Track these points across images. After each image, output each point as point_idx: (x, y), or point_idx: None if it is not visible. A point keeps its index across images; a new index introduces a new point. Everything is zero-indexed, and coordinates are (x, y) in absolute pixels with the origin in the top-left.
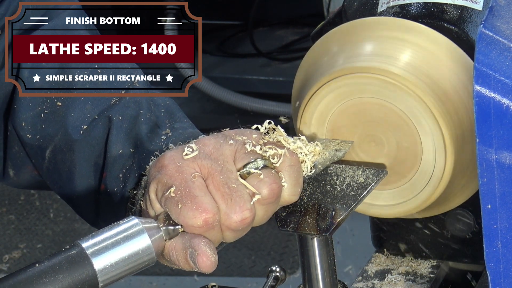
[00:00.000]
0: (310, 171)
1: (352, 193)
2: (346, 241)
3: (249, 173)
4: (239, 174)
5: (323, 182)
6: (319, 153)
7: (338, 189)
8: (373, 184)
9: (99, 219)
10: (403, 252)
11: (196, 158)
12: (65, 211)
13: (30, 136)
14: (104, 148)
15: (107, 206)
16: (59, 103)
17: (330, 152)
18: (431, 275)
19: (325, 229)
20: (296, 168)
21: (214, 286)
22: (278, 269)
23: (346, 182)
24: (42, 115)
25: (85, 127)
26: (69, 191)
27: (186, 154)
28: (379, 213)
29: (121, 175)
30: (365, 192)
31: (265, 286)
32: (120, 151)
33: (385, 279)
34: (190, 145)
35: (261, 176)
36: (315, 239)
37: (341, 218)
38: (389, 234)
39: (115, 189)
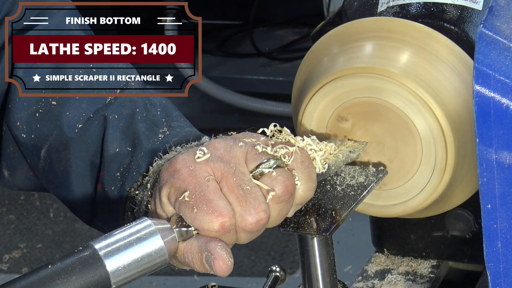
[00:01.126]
0: (323, 168)
1: (352, 193)
2: (346, 241)
3: (261, 174)
4: (252, 176)
5: (323, 182)
6: (331, 154)
7: (338, 189)
8: (373, 184)
9: (96, 218)
10: (403, 252)
11: (208, 161)
12: (65, 211)
13: (25, 136)
14: (101, 147)
15: (104, 205)
16: (54, 102)
17: (344, 153)
18: (431, 275)
19: (325, 229)
20: (307, 163)
21: (214, 286)
22: (278, 269)
23: (346, 182)
24: (37, 115)
25: (80, 125)
26: (65, 191)
27: (198, 157)
28: (379, 213)
29: (118, 174)
30: (365, 192)
31: (265, 286)
32: (117, 149)
33: (385, 279)
34: (202, 148)
35: (274, 174)
36: (315, 239)
37: (341, 218)
38: (389, 234)
39: (112, 188)
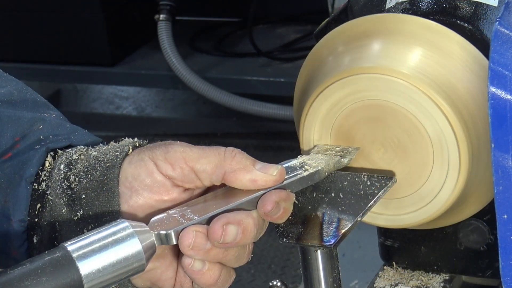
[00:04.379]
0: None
1: (359, 202)
2: (351, 253)
3: None
4: None
5: (327, 191)
6: (323, 160)
7: (343, 197)
8: (380, 192)
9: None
10: (413, 266)
11: None
12: None
13: None
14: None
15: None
16: None
17: (334, 158)
18: None
19: (329, 240)
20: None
21: None
22: (279, 284)
23: (352, 191)
24: None
25: None
26: None
27: None
28: (387, 223)
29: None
30: (372, 201)
31: None
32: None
33: None
34: None
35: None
36: (318, 251)
37: (346, 229)
38: (398, 246)
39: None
